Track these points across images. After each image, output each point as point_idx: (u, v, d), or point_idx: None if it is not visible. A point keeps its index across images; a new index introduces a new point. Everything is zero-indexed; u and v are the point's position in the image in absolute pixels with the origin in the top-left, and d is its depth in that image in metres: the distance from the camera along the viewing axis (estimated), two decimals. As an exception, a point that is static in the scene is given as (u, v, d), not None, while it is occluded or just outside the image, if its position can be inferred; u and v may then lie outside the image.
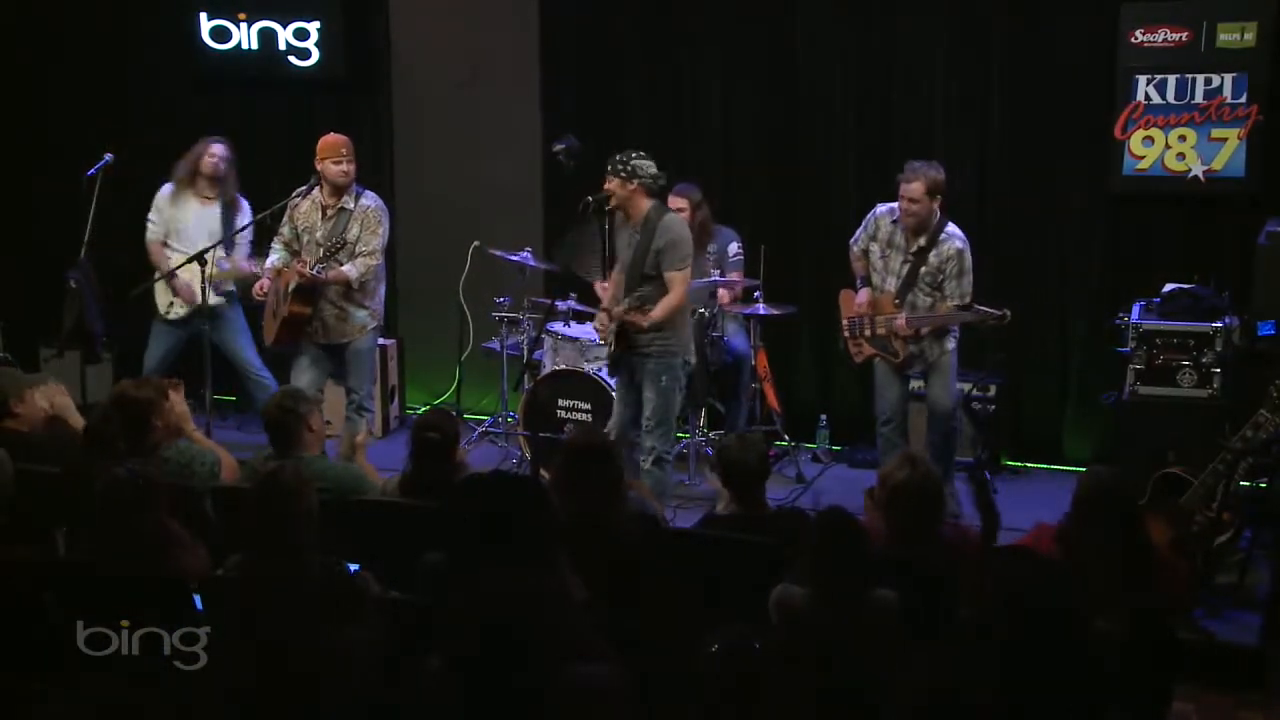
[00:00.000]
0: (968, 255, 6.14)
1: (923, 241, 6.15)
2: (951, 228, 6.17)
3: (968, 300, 6.14)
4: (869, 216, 6.37)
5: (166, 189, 7.12)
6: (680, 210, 6.95)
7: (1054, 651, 3.09)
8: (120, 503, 3.95)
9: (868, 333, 6.33)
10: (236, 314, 7.25)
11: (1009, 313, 6.07)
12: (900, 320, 6.19)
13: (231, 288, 7.15)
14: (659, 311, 5.84)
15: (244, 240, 7.09)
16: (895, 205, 6.20)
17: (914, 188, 6.05)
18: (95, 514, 3.97)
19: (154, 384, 5.11)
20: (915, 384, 6.61)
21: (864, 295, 6.36)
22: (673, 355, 5.96)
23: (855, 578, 3.64)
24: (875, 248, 6.30)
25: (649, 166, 5.89)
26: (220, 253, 6.93)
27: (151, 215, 7.12)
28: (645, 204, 5.93)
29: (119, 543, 3.92)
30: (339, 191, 6.55)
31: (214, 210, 7.05)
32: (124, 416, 4.81)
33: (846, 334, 6.44)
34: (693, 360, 6.16)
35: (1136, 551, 3.83)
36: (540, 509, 3.64)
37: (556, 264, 7.43)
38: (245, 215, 7.09)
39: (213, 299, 6.85)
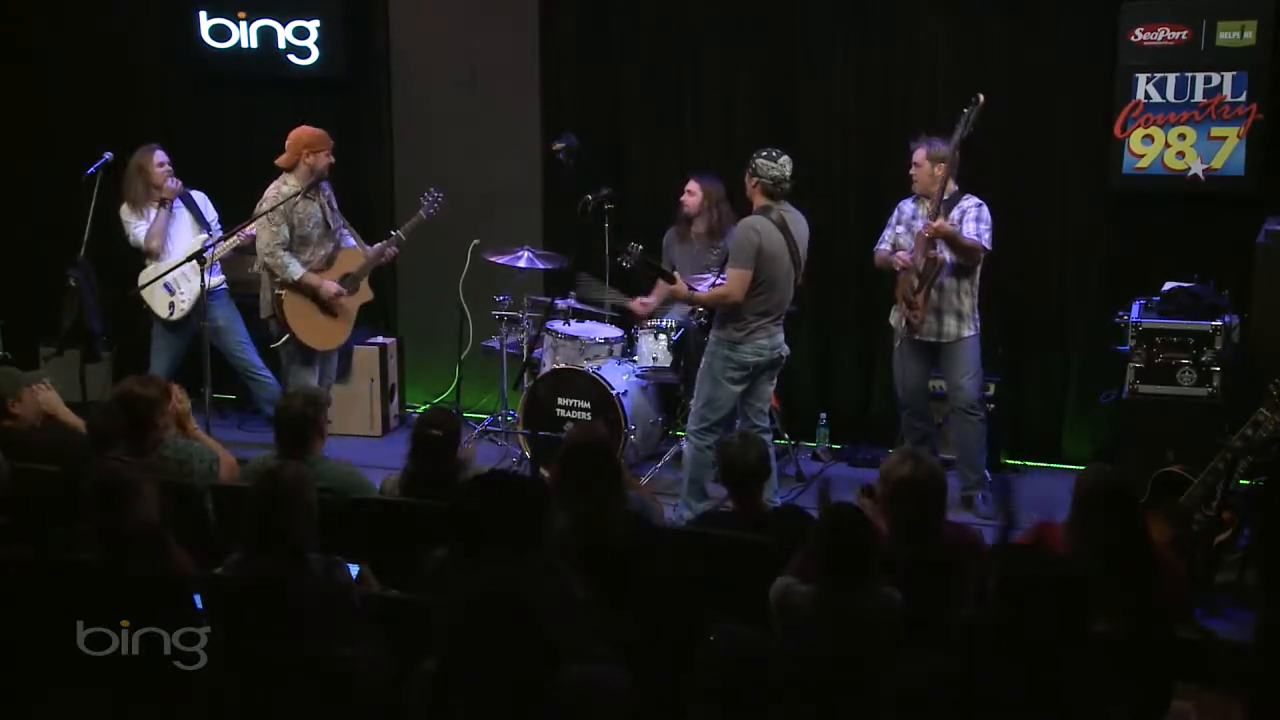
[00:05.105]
0: (986, 210, 6.35)
1: (946, 197, 6.29)
2: (971, 196, 6.38)
3: (987, 245, 6.30)
4: (891, 216, 6.62)
5: (127, 211, 7.19)
6: (691, 195, 7.07)
7: (1054, 649, 3.09)
8: (110, 496, 3.95)
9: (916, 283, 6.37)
10: (233, 314, 7.27)
11: (981, 96, 6.18)
12: (938, 221, 6.19)
13: (224, 284, 7.21)
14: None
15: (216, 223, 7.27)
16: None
17: (916, 154, 6.40)
18: (86, 507, 3.96)
19: (158, 382, 5.12)
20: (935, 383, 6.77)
21: (903, 255, 6.44)
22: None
23: (860, 575, 3.64)
24: (901, 228, 6.53)
25: (772, 168, 6.14)
26: (209, 238, 7.03)
27: (128, 219, 7.18)
28: (757, 203, 6.18)
29: (108, 537, 3.91)
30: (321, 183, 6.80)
31: (177, 210, 7.16)
32: (129, 414, 4.81)
33: (906, 308, 6.45)
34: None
35: (1136, 551, 3.82)
36: (540, 508, 3.64)
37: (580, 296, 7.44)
38: (201, 196, 7.25)
39: (211, 280, 6.89)
